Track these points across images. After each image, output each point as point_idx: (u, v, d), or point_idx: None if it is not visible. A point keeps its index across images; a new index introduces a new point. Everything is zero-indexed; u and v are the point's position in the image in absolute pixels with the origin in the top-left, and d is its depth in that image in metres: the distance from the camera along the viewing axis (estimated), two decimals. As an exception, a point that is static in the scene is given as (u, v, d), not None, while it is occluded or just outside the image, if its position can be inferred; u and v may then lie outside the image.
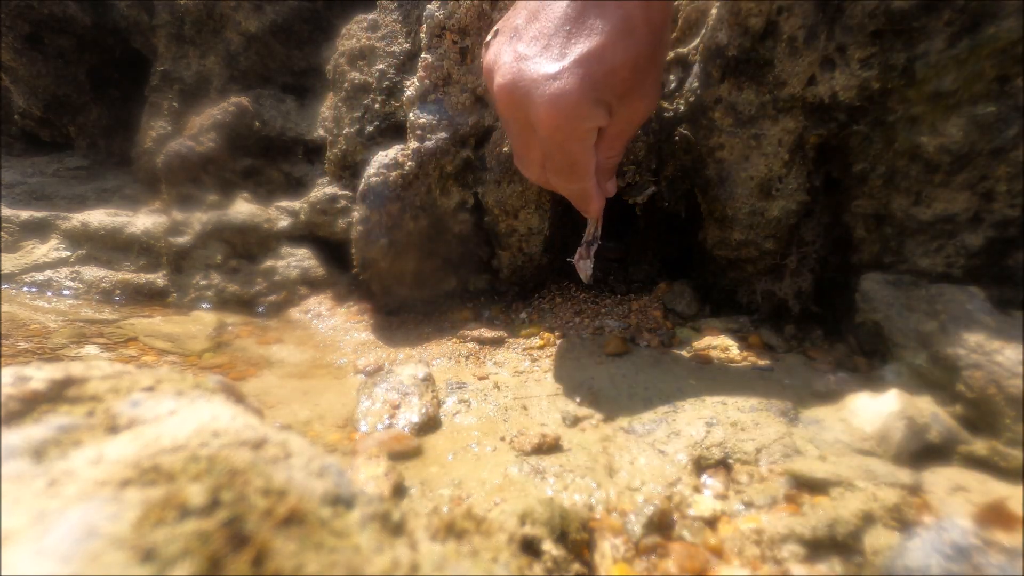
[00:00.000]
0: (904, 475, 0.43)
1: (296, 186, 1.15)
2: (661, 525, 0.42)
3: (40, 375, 0.31)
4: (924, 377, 0.54)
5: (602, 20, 0.54)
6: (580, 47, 0.54)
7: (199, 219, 1.04)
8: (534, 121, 0.57)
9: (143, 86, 1.29)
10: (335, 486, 0.28)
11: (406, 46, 0.97)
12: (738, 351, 0.69)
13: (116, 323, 0.87)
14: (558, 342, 0.76)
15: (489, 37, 0.64)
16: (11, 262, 1.04)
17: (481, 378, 0.69)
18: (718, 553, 0.40)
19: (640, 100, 0.60)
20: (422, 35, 0.87)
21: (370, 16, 1.01)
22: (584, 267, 0.75)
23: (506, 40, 0.59)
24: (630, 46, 0.55)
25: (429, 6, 0.85)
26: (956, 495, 0.41)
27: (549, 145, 0.59)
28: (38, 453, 0.26)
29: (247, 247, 1.04)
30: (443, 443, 0.55)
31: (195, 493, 0.24)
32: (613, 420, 0.57)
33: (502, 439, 0.55)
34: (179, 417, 0.29)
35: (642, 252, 0.94)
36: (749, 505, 0.44)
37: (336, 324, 0.91)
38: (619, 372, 0.67)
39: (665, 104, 0.80)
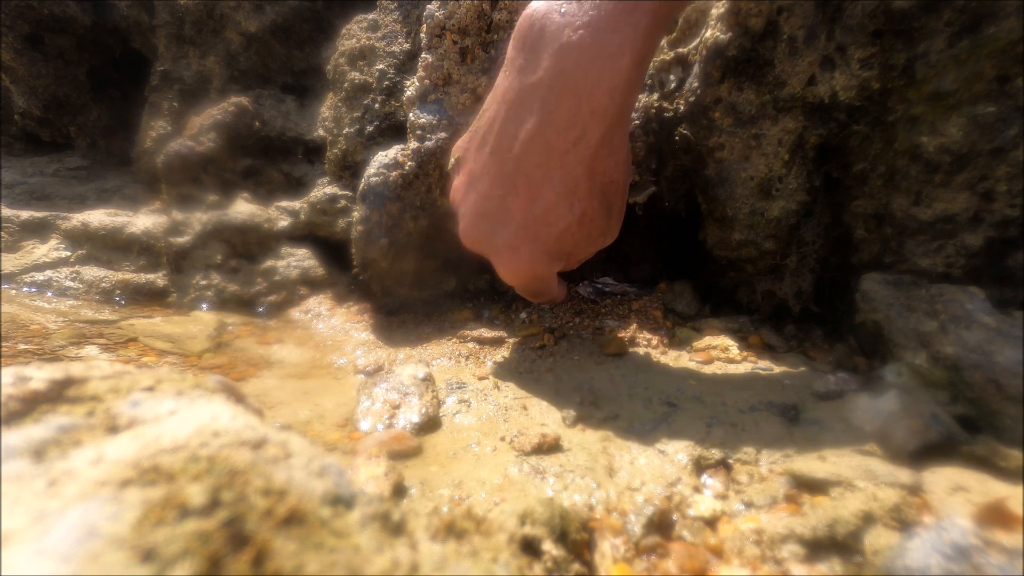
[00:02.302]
0: (904, 475, 0.43)
1: (296, 186, 1.15)
2: (661, 525, 0.42)
3: (40, 375, 0.31)
4: (924, 377, 0.54)
5: (546, 182, 0.58)
6: (528, 210, 0.59)
7: (199, 219, 1.04)
8: (495, 268, 0.64)
9: (143, 86, 1.29)
10: (335, 486, 0.28)
11: (406, 46, 0.97)
12: (738, 351, 0.69)
13: (116, 324, 0.87)
14: (558, 342, 0.76)
15: (452, 160, 0.68)
16: (11, 262, 1.04)
17: (481, 378, 0.69)
18: (718, 553, 0.40)
19: (599, 241, 0.65)
20: (422, 35, 0.87)
21: (370, 16, 1.01)
22: (583, 289, 0.86)
23: (466, 183, 0.64)
24: (575, 205, 0.59)
25: (429, 6, 0.85)
26: (956, 495, 0.41)
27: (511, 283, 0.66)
28: (38, 453, 0.26)
29: (247, 247, 1.04)
30: (443, 443, 0.55)
31: (195, 493, 0.24)
32: (613, 420, 0.57)
33: (502, 439, 0.55)
34: (179, 417, 0.29)
35: (642, 252, 0.94)
36: (749, 505, 0.44)
37: (336, 324, 0.91)
38: (619, 372, 0.67)
39: (665, 104, 0.80)
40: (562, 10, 0.54)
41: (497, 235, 0.61)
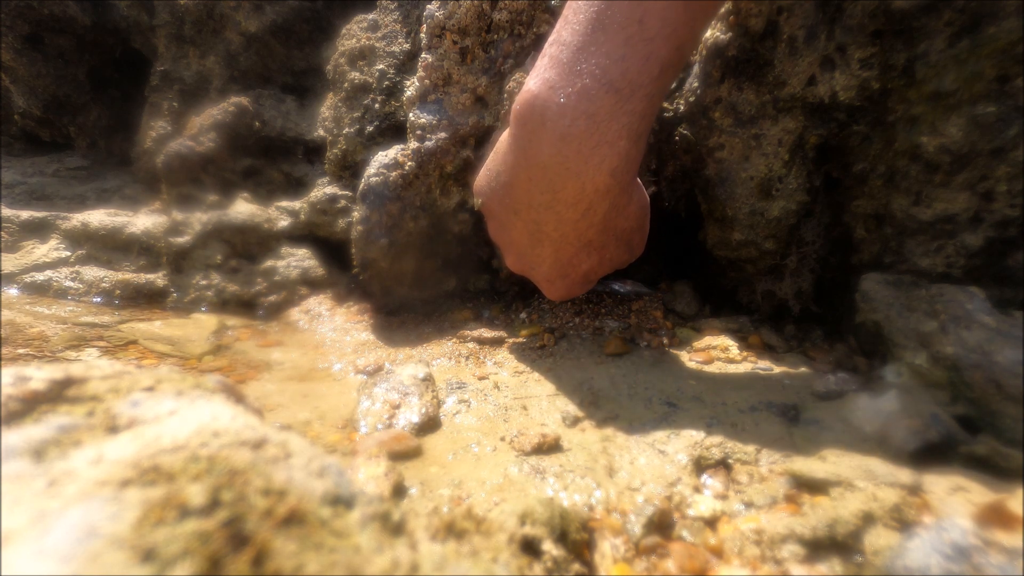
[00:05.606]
0: (904, 475, 0.43)
1: (296, 186, 1.15)
2: (661, 525, 0.42)
3: (40, 375, 0.31)
4: (924, 377, 0.54)
5: (564, 240, 0.65)
6: (554, 258, 0.68)
7: (199, 219, 1.04)
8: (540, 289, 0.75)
9: (143, 86, 1.29)
10: (335, 486, 0.28)
11: (406, 46, 0.97)
12: (738, 351, 0.69)
13: (115, 327, 0.87)
14: (558, 342, 0.76)
15: (478, 201, 0.73)
16: (11, 262, 1.04)
17: (481, 378, 0.69)
18: (718, 553, 0.40)
19: (623, 266, 0.74)
20: (422, 35, 0.87)
21: (370, 16, 1.01)
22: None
23: (498, 227, 0.73)
24: (592, 254, 0.68)
25: (429, 6, 0.85)
26: (956, 495, 0.41)
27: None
28: (38, 453, 0.26)
29: (247, 247, 1.04)
30: (443, 443, 0.55)
31: (195, 493, 0.24)
32: (613, 420, 0.57)
33: (502, 439, 0.55)
34: (179, 417, 0.29)
35: (642, 252, 0.94)
36: (749, 505, 0.44)
37: (336, 324, 0.91)
38: (619, 372, 0.67)
39: (665, 104, 0.80)
40: (561, 99, 0.55)
41: (535, 271, 0.71)
